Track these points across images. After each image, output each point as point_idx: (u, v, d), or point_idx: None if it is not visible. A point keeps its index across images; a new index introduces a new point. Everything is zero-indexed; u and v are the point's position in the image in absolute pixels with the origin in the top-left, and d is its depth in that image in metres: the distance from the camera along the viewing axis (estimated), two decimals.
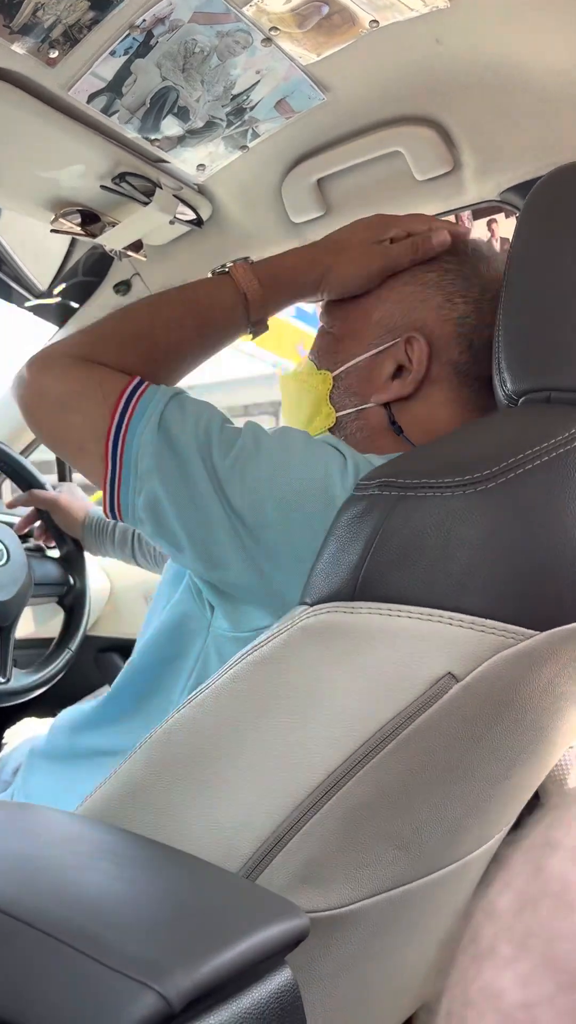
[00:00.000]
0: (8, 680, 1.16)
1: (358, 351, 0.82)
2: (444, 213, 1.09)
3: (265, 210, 1.14)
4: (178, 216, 1.13)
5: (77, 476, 1.68)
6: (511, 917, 0.19)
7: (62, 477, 1.62)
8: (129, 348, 0.77)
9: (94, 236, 1.15)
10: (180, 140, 1.01)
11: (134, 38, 0.84)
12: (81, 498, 1.32)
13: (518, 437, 0.59)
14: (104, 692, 1.24)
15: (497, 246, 0.87)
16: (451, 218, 1.18)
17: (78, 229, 1.14)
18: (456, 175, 1.02)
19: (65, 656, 1.27)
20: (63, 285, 1.39)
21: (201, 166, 1.07)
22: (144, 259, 1.24)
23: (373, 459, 0.72)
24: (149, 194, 1.07)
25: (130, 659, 0.83)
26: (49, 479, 1.35)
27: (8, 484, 1.39)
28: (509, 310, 0.67)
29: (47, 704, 1.25)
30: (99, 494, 0.75)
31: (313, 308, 0.98)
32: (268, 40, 0.86)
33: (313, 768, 0.57)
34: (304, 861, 0.58)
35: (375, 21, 0.83)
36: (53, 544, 1.33)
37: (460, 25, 0.83)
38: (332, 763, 0.57)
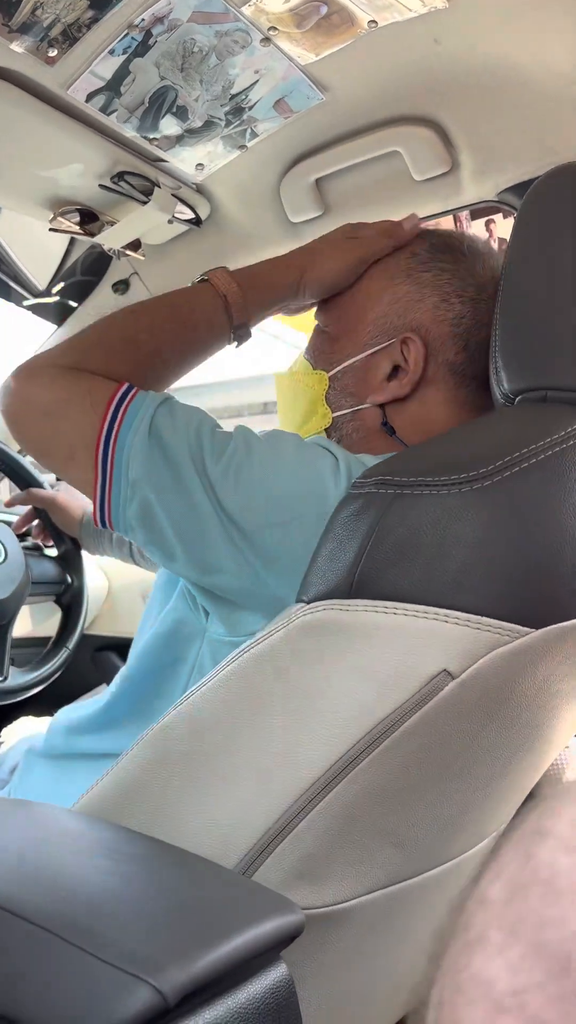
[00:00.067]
0: (5, 679, 1.16)
1: (354, 351, 0.83)
2: (442, 213, 1.10)
3: (263, 210, 1.14)
4: (176, 215, 1.13)
5: None
6: (501, 905, 0.19)
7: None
8: (115, 355, 0.76)
9: (92, 235, 1.15)
10: (179, 139, 1.01)
11: (133, 37, 0.84)
12: (79, 497, 1.32)
13: (514, 436, 0.59)
14: (101, 691, 1.24)
15: (495, 246, 0.87)
16: (449, 218, 1.18)
17: (77, 228, 1.14)
18: (454, 175, 1.02)
19: (62, 655, 1.27)
20: (62, 284, 1.39)
21: (200, 165, 1.07)
22: (142, 258, 1.24)
23: (366, 459, 0.72)
24: (148, 193, 1.07)
25: (126, 667, 0.83)
26: (47, 478, 1.35)
27: (6, 483, 1.39)
28: (506, 310, 0.67)
29: (44, 703, 1.25)
30: None
31: None
32: (267, 40, 0.86)
33: (309, 765, 0.57)
34: (300, 858, 0.58)
35: (374, 21, 0.83)
36: (51, 543, 1.34)
37: (458, 25, 0.83)
38: (328, 760, 0.57)
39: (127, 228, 1.13)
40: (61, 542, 1.33)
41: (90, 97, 0.91)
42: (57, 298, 1.40)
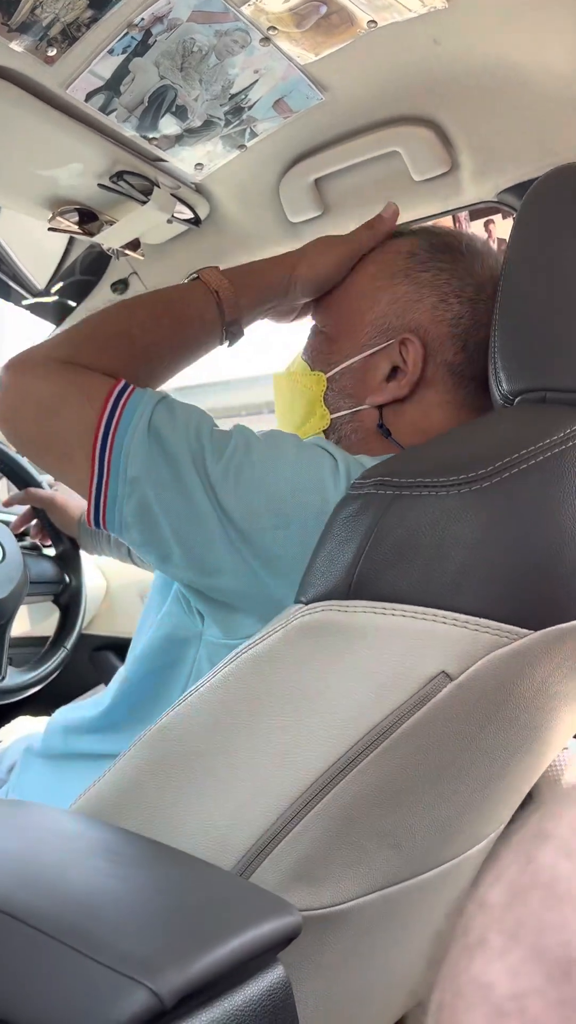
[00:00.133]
0: (3, 678, 1.16)
1: (352, 352, 0.82)
2: (442, 214, 1.10)
3: (263, 209, 1.14)
4: (176, 215, 1.13)
5: None
6: (501, 908, 0.19)
7: None
8: (109, 349, 0.76)
9: (92, 235, 1.15)
10: (178, 139, 1.01)
11: (132, 37, 0.84)
12: (77, 497, 1.32)
13: (513, 437, 0.59)
14: (99, 690, 1.24)
15: (494, 247, 0.87)
16: (448, 219, 1.18)
17: (76, 227, 1.14)
18: (454, 175, 1.02)
19: (60, 655, 1.27)
20: (61, 284, 1.39)
21: (199, 165, 1.07)
22: (142, 258, 1.24)
23: (364, 460, 0.72)
24: (147, 193, 1.07)
25: (124, 669, 0.83)
26: (45, 478, 1.35)
27: (4, 482, 1.39)
28: (505, 310, 0.67)
29: (42, 702, 1.24)
30: None
31: None
32: (266, 40, 0.86)
33: (307, 766, 0.57)
34: (297, 859, 0.58)
35: (373, 21, 0.83)
36: (49, 542, 1.33)
37: (458, 26, 0.83)
38: (326, 761, 0.57)
39: (126, 228, 1.13)
40: (59, 542, 1.32)
41: (89, 96, 0.91)
42: (56, 298, 1.40)
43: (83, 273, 1.38)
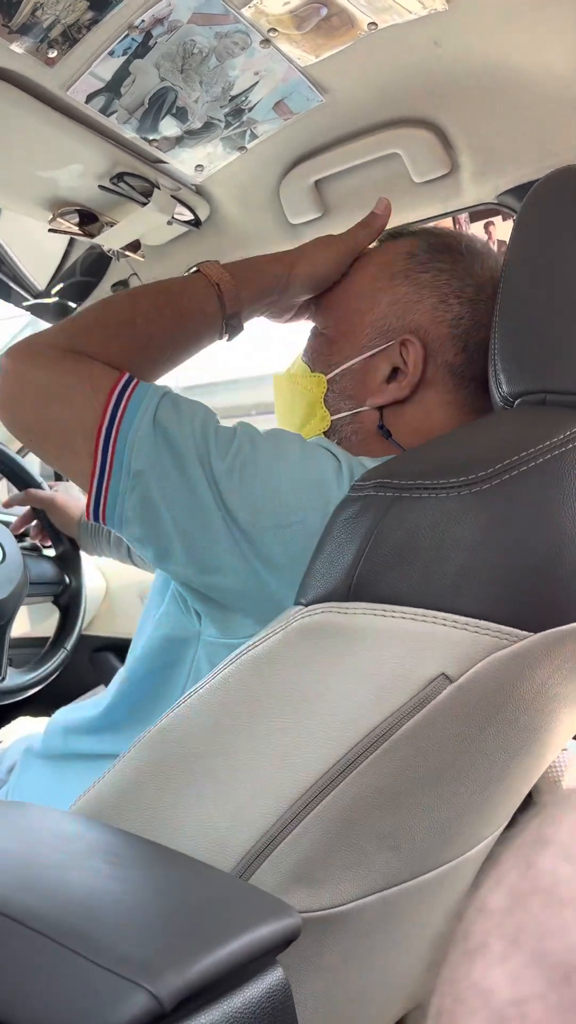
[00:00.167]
0: (3, 679, 1.16)
1: (352, 354, 0.82)
2: (442, 215, 1.10)
3: (263, 211, 1.14)
4: (176, 216, 1.13)
5: None
6: (502, 914, 0.19)
7: (59, 476, 1.62)
8: (113, 338, 0.75)
9: (92, 236, 1.15)
10: (178, 141, 1.01)
11: (133, 38, 0.84)
12: (77, 497, 1.32)
13: (513, 439, 0.59)
14: (99, 691, 1.24)
15: (495, 249, 0.87)
16: (448, 221, 1.18)
17: (76, 229, 1.14)
18: (454, 177, 1.02)
19: (60, 655, 1.27)
20: (61, 285, 1.39)
21: (199, 167, 1.07)
22: (142, 259, 1.24)
23: (366, 461, 0.72)
24: (147, 194, 1.07)
25: (124, 670, 0.83)
26: (44, 467, 1.35)
27: (4, 483, 1.39)
28: (505, 312, 0.67)
29: (42, 703, 1.25)
30: None
31: None
32: (267, 41, 0.86)
33: (306, 768, 0.57)
34: (297, 861, 0.58)
35: (373, 23, 0.83)
36: (49, 543, 1.34)
37: (458, 27, 0.83)
38: (325, 763, 0.57)
39: (126, 229, 1.13)
40: (59, 543, 1.32)
41: (90, 98, 0.91)
42: (56, 299, 1.40)
43: (83, 274, 1.38)
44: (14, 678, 1.18)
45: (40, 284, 1.39)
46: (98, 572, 1.58)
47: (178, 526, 0.69)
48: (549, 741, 0.70)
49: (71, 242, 1.36)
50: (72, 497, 1.31)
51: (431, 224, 1.08)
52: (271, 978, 0.44)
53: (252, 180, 1.10)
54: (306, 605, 0.60)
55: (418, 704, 0.55)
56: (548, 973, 0.17)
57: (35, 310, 1.41)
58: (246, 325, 0.85)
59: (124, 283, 1.36)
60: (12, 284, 1.36)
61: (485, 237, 1.35)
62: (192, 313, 0.80)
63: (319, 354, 0.86)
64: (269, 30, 0.84)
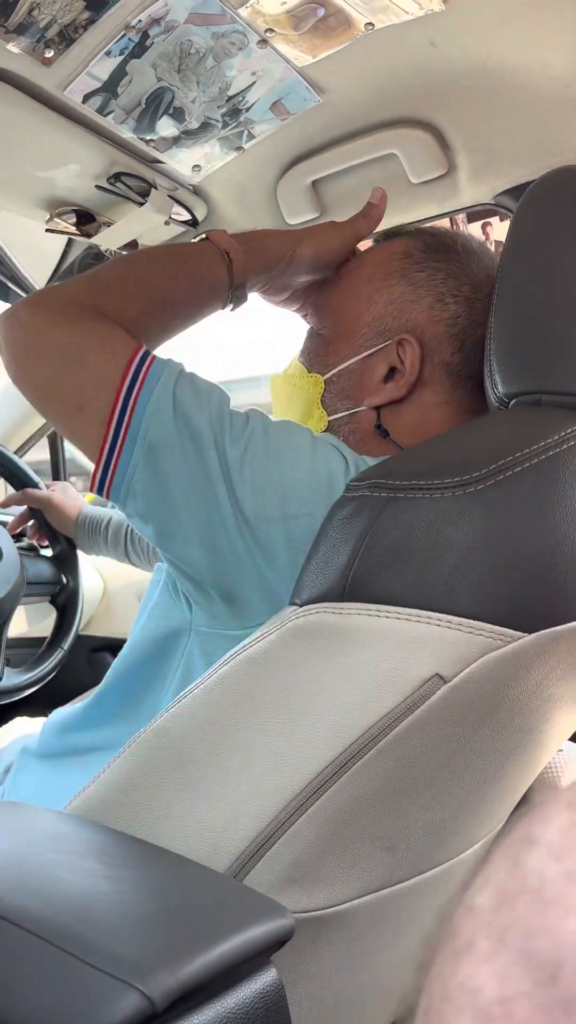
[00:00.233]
0: (0, 679, 1.16)
1: (349, 354, 0.82)
2: (439, 216, 1.10)
3: (260, 211, 1.14)
4: (173, 217, 1.13)
5: (71, 476, 1.68)
6: (489, 913, 0.19)
7: (56, 476, 1.62)
8: (130, 298, 0.74)
9: (89, 236, 1.15)
10: (175, 141, 1.01)
11: (130, 38, 0.84)
12: (74, 497, 1.32)
13: (508, 439, 0.59)
14: None
15: (491, 250, 0.87)
16: (446, 221, 1.18)
17: (73, 229, 1.14)
18: (451, 178, 1.02)
19: (57, 655, 1.26)
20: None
21: (196, 167, 1.07)
22: None
23: (368, 461, 0.72)
24: (144, 194, 1.07)
25: (115, 661, 0.83)
26: (43, 479, 1.35)
27: (1, 482, 1.39)
28: (501, 313, 0.67)
29: (39, 703, 1.24)
30: (93, 495, 0.73)
31: None
32: (264, 42, 0.86)
33: (301, 769, 0.57)
34: (291, 861, 0.58)
35: (370, 24, 0.83)
36: (46, 543, 1.33)
37: (455, 28, 0.83)
38: (320, 764, 0.57)
39: (124, 229, 1.13)
40: (56, 542, 1.32)
41: (87, 98, 0.91)
42: None
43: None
44: (11, 678, 1.18)
45: (38, 284, 1.39)
46: (95, 572, 1.58)
47: (186, 502, 0.67)
48: (545, 742, 0.70)
49: (69, 242, 1.36)
50: (69, 497, 1.31)
51: (428, 225, 1.08)
52: (265, 978, 0.44)
53: (249, 180, 1.10)
54: (300, 605, 0.60)
55: (412, 704, 0.55)
56: (534, 972, 0.17)
57: None
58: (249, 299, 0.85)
59: None
60: (10, 284, 1.36)
61: (483, 238, 1.35)
62: (203, 280, 0.79)
63: (316, 355, 0.86)
64: (266, 30, 0.84)
